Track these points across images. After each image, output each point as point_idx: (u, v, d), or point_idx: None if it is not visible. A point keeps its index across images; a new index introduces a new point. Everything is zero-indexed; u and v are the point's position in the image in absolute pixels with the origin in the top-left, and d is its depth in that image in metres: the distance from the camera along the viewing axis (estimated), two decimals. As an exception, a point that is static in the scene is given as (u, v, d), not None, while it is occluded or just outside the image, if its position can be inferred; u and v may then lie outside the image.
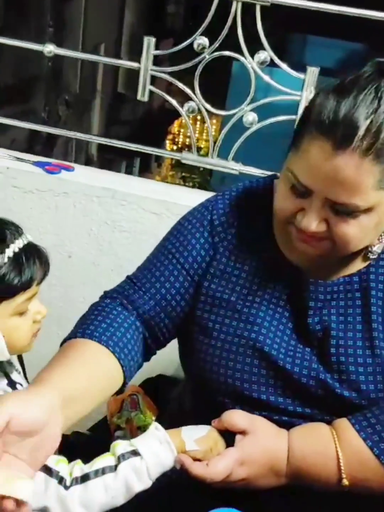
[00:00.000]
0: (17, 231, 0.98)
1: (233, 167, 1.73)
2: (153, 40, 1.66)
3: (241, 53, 1.62)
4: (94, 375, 0.95)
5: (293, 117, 1.63)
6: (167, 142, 8.57)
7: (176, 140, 8.80)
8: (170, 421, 1.00)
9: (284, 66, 1.60)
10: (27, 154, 1.90)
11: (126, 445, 0.91)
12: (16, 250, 0.95)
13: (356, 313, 1.01)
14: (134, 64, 1.71)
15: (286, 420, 1.01)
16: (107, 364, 0.98)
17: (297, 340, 1.02)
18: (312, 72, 1.58)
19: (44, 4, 4.35)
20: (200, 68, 1.65)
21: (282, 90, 1.63)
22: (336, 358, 1.00)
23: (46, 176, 1.78)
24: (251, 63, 1.62)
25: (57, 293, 1.83)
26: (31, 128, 2.02)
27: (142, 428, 1.28)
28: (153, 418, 1.32)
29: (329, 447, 0.96)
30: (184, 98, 1.71)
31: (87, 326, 1.02)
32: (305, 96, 1.60)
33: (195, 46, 1.62)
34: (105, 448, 0.92)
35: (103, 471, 0.88)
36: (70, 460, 0.90)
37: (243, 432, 0.97)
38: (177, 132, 8.75)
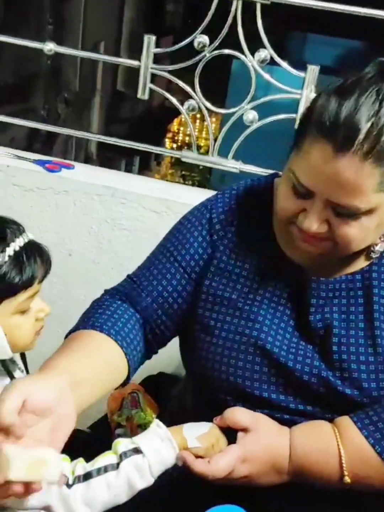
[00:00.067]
0: (18, 229, 0.98)
1: (233, 165, 1.73)
2: (153, 38, 1.66)
3: (241, 51, 1.62)
4: (98, 362, 0.96)
5: (293, 115, 1.63)
6: (167, 140, 8.56)
7: (176, 138, 8.78)
8: (171, 419, 1.00)
9: (284, 64, 1.60)
10: (27, 152, 1.89)
11: (128, 443, 0.91)
12: (17, 248, 0.95)
13: (358, 311, 1.01)
14: (135, 62, 1.71)
15: (287, 418, 1.01)
16: (110, 351, 1.00)
17: (299, 338, 1.03)
18: (313, 70, 1.58)
19: (43, 2, 4.34)
20: (200, 66, 1.65)
21: (282, 89, 1.63)
22: (338, 356, 1.00)
23: (46, 174, 1.78)
24: (251, 61, 1.62)
25: (58, 291, 1.84)
26: (30, 126, 2.02)
27: (143, 426, 1.28)
28: (154, 416, 1.32)
29: (331, 444, 0.96)
30: (184, 96, 1.71)
31: (89, 319, 1.04)
32: (305, 94, 1.60)
33: (195, 44, 1.62)
34: (106, 446, 0.93)
35: (105, 469, 0.88)
36: (70, 457, 0.90)
37: (245, 430, 0.97)
38: (176, 131, 8.74)
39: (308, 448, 0.97)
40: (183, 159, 1.79)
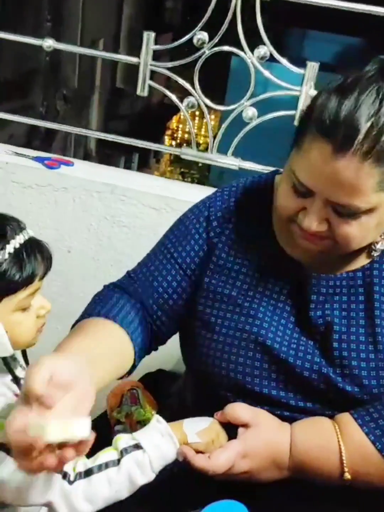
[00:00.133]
0: (18, 226, 0.97)
1: (233, 162, 1.72)
2: (152, 35, 1.66)
3: (241, 48, 1.62)
4: (108, 346, 0.99)
5: (293, 112, 1.63)
6: (166, 137, 8.55)
7: (175, 135, 8.78)
8: (170, 416, 1.00)
9: (283, 61, 1.60)
10: (26, 149, 1.89)
11: (128, 438, 0.92)
12: (17, 246, 0.95)
13: (359, 308, 1.02)
14: (134, 59, 1.71)
15: (287, 415, 1.01)
16: (118, 337, 1.02)
17: (299, 334, 1.03)
18: (312, 67, 1.58)
19: (42, -1, 4.33)
20: (199, 63, 1.64)
21: (281, 85, 1.62)
22: (338, 353, 1.00)
23: (45, 171, 1.77)
24: (250, 58, 1.61)
25: (57, 288, 1.84)
26: (29, 123, 2.01)
27: (142, 423, 1.28)
28: (153, 412, 1.32)
29: (331, 441, 0.96)
30: (183, 93, 1.71)
31: (92, 309, 1.06)
32: (305, 91, 1.59)
33: (194, 41, 1.62)
34: (105, 443, 0.93)
35: (106, 466, 0.88)
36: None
37: (245, 425, 0.97)
38: (176, 128, 8.73)
39: (308, 444, 0.97)
40: (183, 156, 1.79)
